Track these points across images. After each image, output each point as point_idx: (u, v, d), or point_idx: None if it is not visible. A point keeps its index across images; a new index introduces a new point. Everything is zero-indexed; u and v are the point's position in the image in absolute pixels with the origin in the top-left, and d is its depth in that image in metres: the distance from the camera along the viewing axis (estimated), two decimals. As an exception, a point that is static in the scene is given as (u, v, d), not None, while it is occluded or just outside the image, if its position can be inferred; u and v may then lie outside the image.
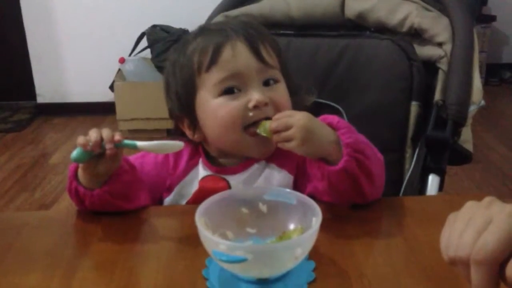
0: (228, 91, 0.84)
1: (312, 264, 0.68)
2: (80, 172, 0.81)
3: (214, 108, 0.84)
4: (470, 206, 0.52)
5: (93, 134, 0.76)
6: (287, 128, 0.76)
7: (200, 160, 0.92)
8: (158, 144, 0.77)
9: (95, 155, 0.77)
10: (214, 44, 0.84)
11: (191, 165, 0.92)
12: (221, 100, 0.84)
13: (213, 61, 0.83)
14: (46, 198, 2.53)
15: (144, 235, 0.79)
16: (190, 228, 0.66)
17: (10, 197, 2.54)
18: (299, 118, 0.76)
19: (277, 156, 0.88)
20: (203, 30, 0.90)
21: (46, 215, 1.03)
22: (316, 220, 0.65)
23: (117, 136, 0.76)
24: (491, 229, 0.47)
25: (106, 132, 0.77)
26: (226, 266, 0.63)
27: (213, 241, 0.62)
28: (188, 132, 0.91)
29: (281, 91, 0.87)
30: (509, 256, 0.46)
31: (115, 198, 0.81)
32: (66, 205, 2.44)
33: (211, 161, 0.91)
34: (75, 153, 0.76)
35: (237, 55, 0.83)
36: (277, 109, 0.84)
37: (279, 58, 0.90)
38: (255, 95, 0.83)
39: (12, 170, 2.85)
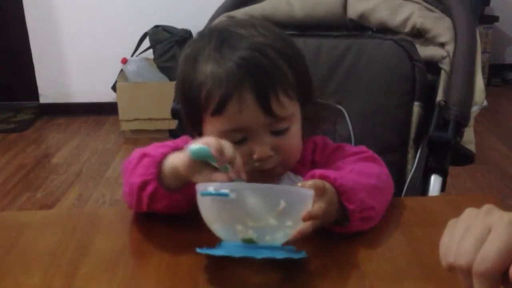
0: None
1: (303, 254, 0.66)
2: (171, 169, 0.73)
3: None
4: (469, 213, 0.52)
5: (230, 150, 0.69)
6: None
7: None
8: None
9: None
10: (221, 93, 0.77)
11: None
12: None
13: (218, 111, 0.78)
14: (49, 198, 2.53)
15: (145, 234, 0.79)
16: (192, 228, 0.66)
17: (13, 197, 2.55)
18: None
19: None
20: (219, 49, 0.79)
21: (48, 214, 1.03)
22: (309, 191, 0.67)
23: (232, 173, 0.69)
24: (491, 239, 0.47)
25: (239, 162, 0.70)
26: (211, 218, 0.66)
27: (203, 185, 0.66)
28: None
29: (291, 137, 0.83)
30: (510, 264, 0.46)
31: (190, 202, 0.74)
32: (68, 205, 2.45)
33: None
34: (199, 147, 0.68)
35: (244, 110, 0.77)
36: (286, 155, 0.83)
37: (299, 88, 0.82)
38: (259, 149, 0.79)
39: (15, 170, 2.86)
